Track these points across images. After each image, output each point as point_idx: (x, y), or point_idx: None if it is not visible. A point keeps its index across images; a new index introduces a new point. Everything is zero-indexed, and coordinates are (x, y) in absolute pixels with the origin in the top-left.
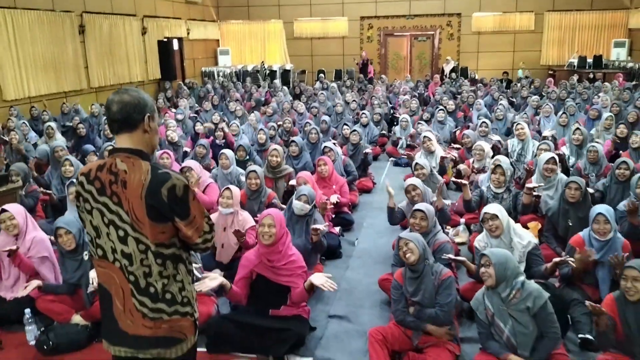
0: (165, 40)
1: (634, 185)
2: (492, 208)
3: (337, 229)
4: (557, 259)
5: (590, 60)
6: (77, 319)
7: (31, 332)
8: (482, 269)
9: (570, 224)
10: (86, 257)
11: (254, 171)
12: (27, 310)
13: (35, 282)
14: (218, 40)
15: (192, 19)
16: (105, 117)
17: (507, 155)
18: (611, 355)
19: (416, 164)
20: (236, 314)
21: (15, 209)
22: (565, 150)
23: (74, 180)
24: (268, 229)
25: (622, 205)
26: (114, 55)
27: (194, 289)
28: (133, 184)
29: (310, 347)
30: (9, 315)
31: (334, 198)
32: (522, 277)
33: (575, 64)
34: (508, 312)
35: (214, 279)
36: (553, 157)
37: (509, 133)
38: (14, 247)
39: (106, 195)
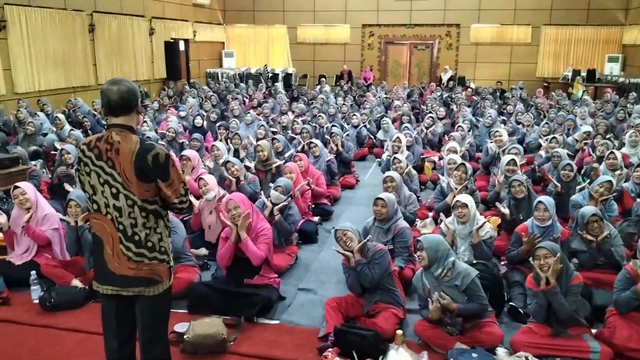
0: (172, 41)
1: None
2: (465, 198)
3: (316, 218)
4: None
5: (584, 73)
6: (75, 282)
7: (36, 292)
8: (418, 252)
9: (522, 217)
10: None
11: (229, 161)
12: (33, 272)
13: None
14: (223, 43)
15: (199, 22)
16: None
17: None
18: (534, 325)
19: (394, 158)
20: (214, 281)
21: (25, 185)
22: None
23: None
24: (235, 211)
25: (578, 196)
26: (122, 54)
27: (170, 242)
28: (125, 151)
29: (278, 312)
30: (16, 278)
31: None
32: (453, 258)
33: (570, 77)
34: (441, 289)
35: None
36: (512, 159)
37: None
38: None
39: (102, 160)
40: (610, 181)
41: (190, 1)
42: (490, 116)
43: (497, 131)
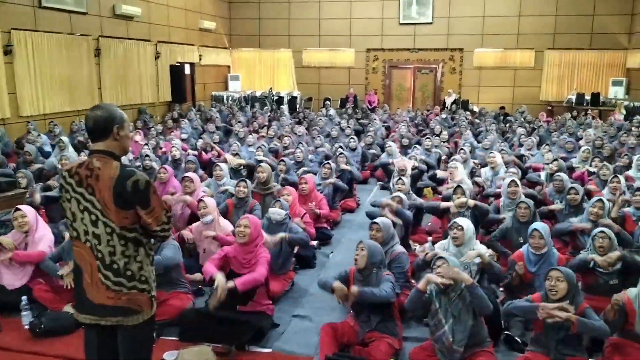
0: (178, 64)
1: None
2: (462, 221)
3: (314, 243)
4: None
5: (588, 97)
6: (67, 308)
7: (26, 317)
8: (439, 270)
9: (521, 241)
10: None
11: (244, 181)
12: (24, 298)
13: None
14: (229, 66)
15: (204, 46)
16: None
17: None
18: (531, 354)
19: (399, 179)
20: (206, 307)
21: (27, 209)
22: (542, 176)
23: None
24: (243, 229)
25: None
26: (127, 78)
27: (153, 270)
28: (104, 178)
29: (271, 339)
30: (9, 303)
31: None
32: None
33: (574, 100)
34: (451, 312)
35: None
36: (513, 180)
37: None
38: (8, 256)
39: (83, 187)
40: (601, 199)
41: (197, 26)
42: (489, 139)
43: (491, 152)
